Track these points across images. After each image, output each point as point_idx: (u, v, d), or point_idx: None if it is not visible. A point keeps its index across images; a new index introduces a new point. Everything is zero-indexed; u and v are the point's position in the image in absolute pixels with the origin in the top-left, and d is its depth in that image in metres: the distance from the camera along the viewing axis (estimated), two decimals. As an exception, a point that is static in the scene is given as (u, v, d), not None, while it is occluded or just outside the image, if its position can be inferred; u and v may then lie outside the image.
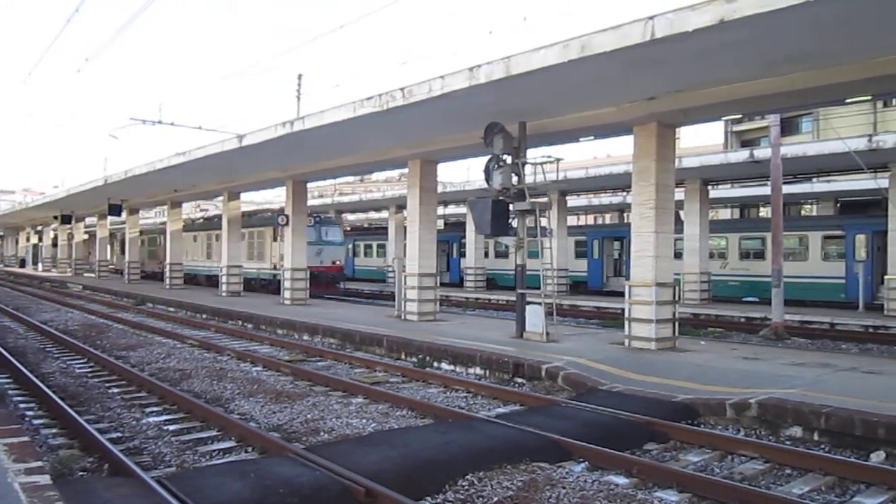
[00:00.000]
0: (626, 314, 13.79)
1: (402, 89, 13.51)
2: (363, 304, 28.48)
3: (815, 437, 8.15)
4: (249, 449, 7.74)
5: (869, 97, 14.19)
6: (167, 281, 34.44)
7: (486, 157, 15.00)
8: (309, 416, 9.07)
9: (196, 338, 16.78)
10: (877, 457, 7.54)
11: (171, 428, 8.64)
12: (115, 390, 10.93)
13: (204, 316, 22.97)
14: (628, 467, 6.89)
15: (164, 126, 32.06)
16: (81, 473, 6.84)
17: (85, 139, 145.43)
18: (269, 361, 13.47)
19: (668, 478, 6.61)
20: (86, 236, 53.64)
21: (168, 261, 35.02)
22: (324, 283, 29.14)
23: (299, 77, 34.98)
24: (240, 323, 20.69)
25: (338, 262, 31.47)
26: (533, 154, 15.52)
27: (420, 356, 13.74)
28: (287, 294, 24.33)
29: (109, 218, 41.31)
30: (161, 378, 11.61)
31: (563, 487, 6.13)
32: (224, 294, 28.63)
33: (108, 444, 7.41)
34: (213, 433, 8.41)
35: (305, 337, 17.63)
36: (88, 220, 50.79)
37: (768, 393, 9.03)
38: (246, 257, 31.54)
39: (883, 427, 7.61)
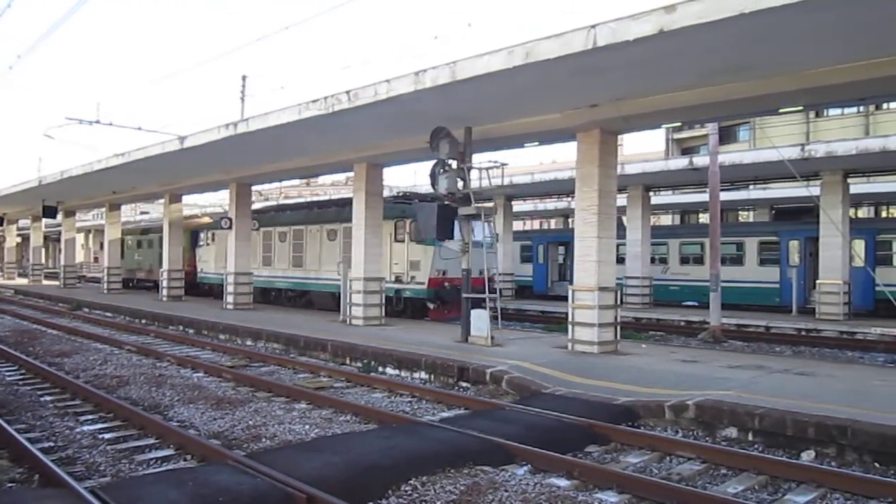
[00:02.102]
0: (570, 318, 13.97)
1: (347, 92, 13.44)
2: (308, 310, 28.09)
3: (750, 437, 8.39)
4: (188, 457, 7.57)
5: (801, 108, 14.68)
6: (104, 286, 33.50)
7: (433, 162, 15.04)
8: (251, 422, 8.93)
9: (134, 343, 16.37)
10: (807, 455, 7.79)
11: (107, 436, 8.39)
12: (48, 398, 10.57)
13: (143, 321, 22.42)
14: (570, 469, 6.97)
15: (103, 126, 30.85)
16: (10, 485, 6.59)
17: (18, 139, 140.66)
18: (211, 367, 13.22)
19: (609, 479, 6.71)
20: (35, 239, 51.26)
21: (106, 265, 34.11)
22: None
23: (243, 78, 34.48)
24: (181, 328, 20.26)
25: (485, 273, 20.67)
26: (479, 159, 15.64)
27: (365, 361, 13.67)
28: (230, 299, 23.99)
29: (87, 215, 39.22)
30: (97, 385, 11.29)
31: (506, 490, 6.16)
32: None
33: (38, 453, 7.16)
34: (150, 441, 8.20)
35: (249, 342, 17.37)
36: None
37: (705, 395, 9.25)
38: (318, 263, 24.10)
39: (813, 427, 7.87)
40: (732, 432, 8.55)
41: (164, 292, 28.40)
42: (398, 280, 20.98)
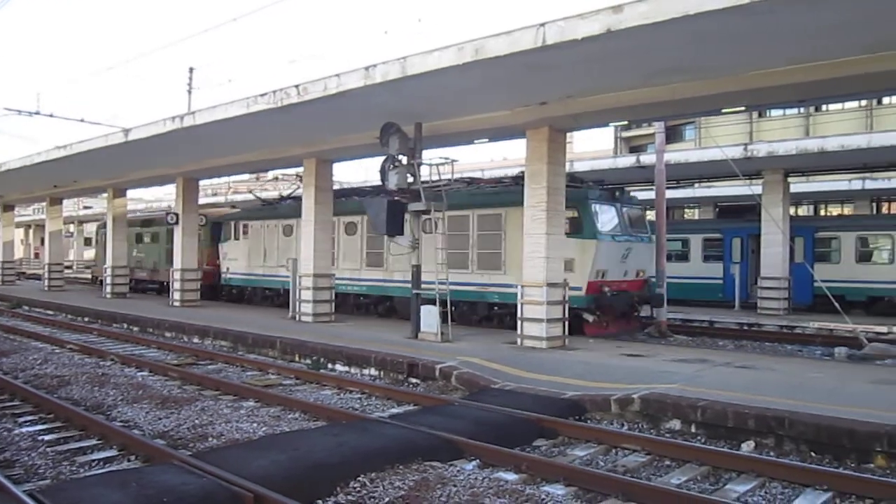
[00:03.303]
0: (519, 314, 14.10)
1: (297, 86, 13.31)
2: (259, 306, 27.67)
3: (693, 429, 8.60)
4: (132, 458, 7.42)
5: (743, 108, 15.06)
6: (45, 283, 32.54)
7: (383, 157, 14.99)
8: (197, 421, 8.79)
9: (77, 342, 15.95)
10: (747, 446, 8.04)
11: (47, 438, 8.17)
12: (-16, 399, 10.24)
13: (86, 319, 21.85)
14: (518, 463, 7.04)
15: (43, 117, 29.67)
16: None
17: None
18: (156, 365, 12.97)
19: (556, 472, 6.81)
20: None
21: (47, 261, 33.12)
22: (627, 307, 16.98)
23: (191, 70, 33.95)
24: (125, 326, 19.82)
25: (643, 274, 17.68)
26: (429, 155, 15.66)
27: (314, 358, 13.58)
28: (176, 295, 23.57)
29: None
30: (37, 385, 10.96)
31: (454, 485, 6.20)
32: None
33: (-27, 456, 6.94)
34: (93, 442, 8.01)
35: (196, 340, 17.09)
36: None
37: (650, 388, 9.44)
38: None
39: (752, 418, 8.11)
40: (676, 424, 8.75)
41: (108, 289, 27.69)
42: None
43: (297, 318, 18.65)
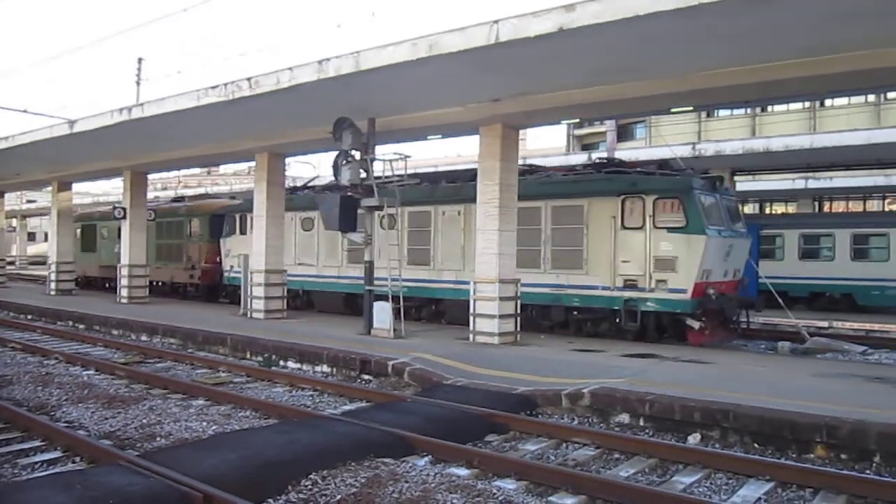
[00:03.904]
0: (471, 310, 14.17)
1: (248, 79, 13.14)
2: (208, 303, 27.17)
3: (641, 422, 8.76)
4: (78, 459, 7.23)
5: (692, 108, 15.38)
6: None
7: (336, 153, 14.90)
8: (145, 420, 8.62)
9: (19, 340, 15.50)
10: (693, 439, 8.23)
11: (-13, 439, 7.93)
12: (-80, 400, 9.87)
13: (29, 317, 21.24)
14: (470, 459, 7.09)
15: (-18, 108, 28.70)
16: None
17: None
18: (103, 364, 12.67)
19: (507, 467, 6.86)
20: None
21: None
22: (735, 311, 15.10)
23: (139, 61, 33.21)
24: (70, 324, 19.32)
25: (738, 274, 15.87)
26: (382, 151, 15.62)
27: (266, 355, 13.44)
28: (124, 292, 23.09)
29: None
30: (-25, 385, 10.63)
31: (407, 482, 6.21)
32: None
33: None
34: (36, 444, 7.77)
35: (144, 337, 16.75)
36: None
37: (600, 383, 9.58)
38: (457, 259, 17.20)
39: (699, 411, 8.30)
40: (625, 418, 8.90)
41: (53, 286, 26.93)
42: (631, 285, 14.48)
43: (249, 315, 18.44)
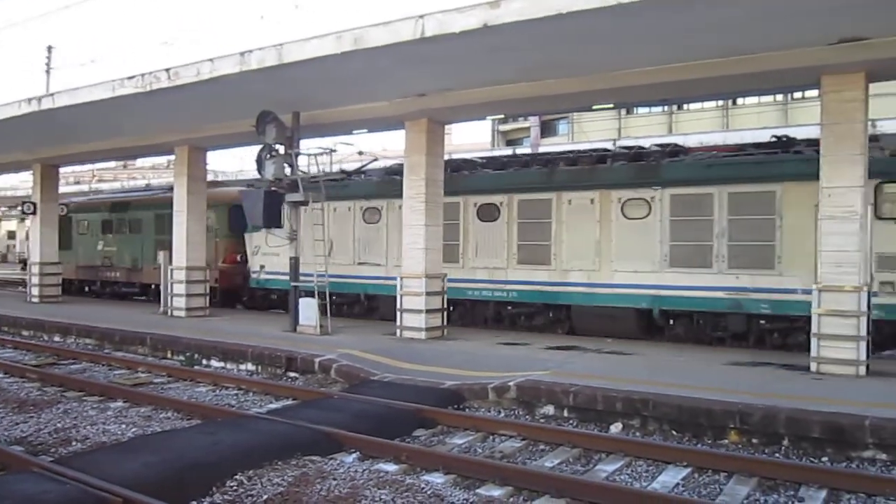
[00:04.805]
0: (398, 305, 14.16)
1: (167, 70, 12.76)
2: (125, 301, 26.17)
3: (565, 413, 8.96)
4: (-15, 466, 6.91)
5: (612, 105, 15.73)
6: None
7: (260, 147, 14.64)
8: (59, 424, 8.28)
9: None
10: (615, 428, 8.47)
11: None
12: None
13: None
14: (398, 454, 7.11)
15: None
16: None
17: None
18: (12, 366, 12.11)
19: (435, 461, 6.91)
20: None
21: None
22: None
23: (49, 49, 31.75)
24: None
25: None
26: (308, 145, 15.44)
27: (188, 354, 13.12)
28: (35, 291, 22.11)
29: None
30: None
31: (334, 479, 6.18)
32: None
33: None
34: (-62, 451, 7.39)
35: (57, 338, 16.10)
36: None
37: (526, 376, 9.74)
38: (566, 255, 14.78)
39: (620, 401, 8.55)
40: (550, 410, 9.09)
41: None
42: None
43: (169, 313, 17.94)
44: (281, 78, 11.95)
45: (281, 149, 14.44)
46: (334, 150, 15.52)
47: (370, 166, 20.30)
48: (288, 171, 14.52)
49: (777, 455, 7.46)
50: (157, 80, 12.89)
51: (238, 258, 19.65)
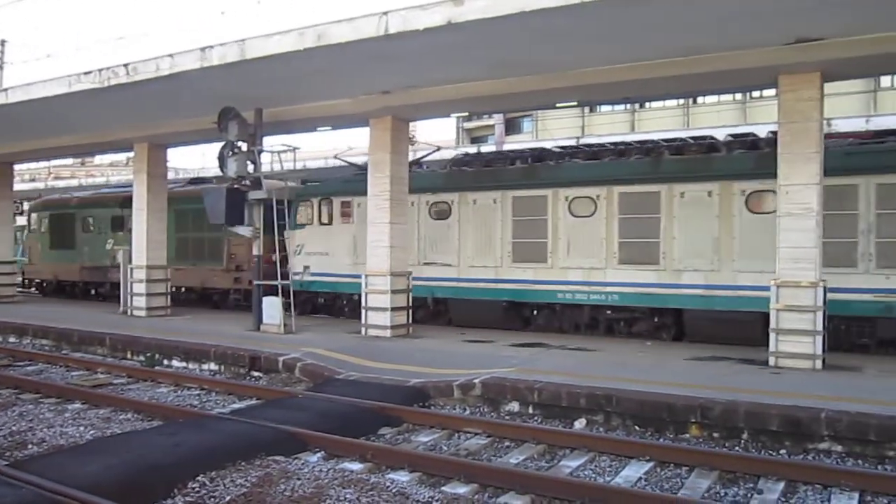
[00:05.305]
0: (363, 303, 14.11)
1: (126, 66, 12.53)
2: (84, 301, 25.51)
3: (530, 410, 9.00)
4: (-64, 472, 6.72)
5: (575, 103, 15.84)
6: None
7: (222, 144, 14.45)
8: (14, 427, 8.08)
9: None
10: (579, 424, 8.54)
11: None
12: None
13: None
14: (363, 453, 7.07)
15: None
16: None
17: None
18: (-36, 368, 11.82)
19: (401, 459, 6.89)
20: None
21: None
22: None
23: (2, 43, 30.91)
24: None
25: None
26: (271, 142, 15.28)
27: (148, 354, 12.91)
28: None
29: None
30: None
31: (299, 479, 6.13)
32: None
33: None
34: None
35: (12, 339, 15.72)
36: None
37: (491, 373, 9.77)
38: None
39: (584, 397, 8.62)
40: (515, 406, 9.13)
41: None
42: None
43: (129, 313, 17.64)
44: (243, 74, 11.81)
45: (243, 146, 14.28)
46: (298, 148, 15.39)
47: (432, 157, 19.09)
48: (251, 168, 14.36)
49: (737, 448, 7.59)
50: (115, 76, 12.65)
51: (274, 258, 16.93)
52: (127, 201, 20.75)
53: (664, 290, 13.26)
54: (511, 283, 14.73)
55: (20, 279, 25.71)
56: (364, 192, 14.54)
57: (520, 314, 15.13)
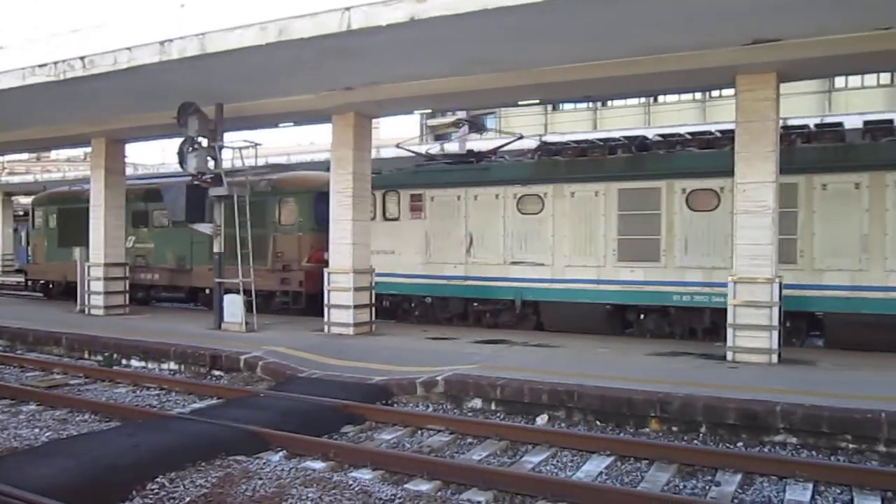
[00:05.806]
0: (326, 300, 14.03)
1: (82, 59, 12.24)
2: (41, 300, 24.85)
3: (493, 406, 9.05)
4: None
5: (537, 101, 15.90)
6: None
7: (181, 139, 14.24)
8: (-35, 430, 7.90)
9: None
10: (541, 419, 8.61)
11: None
12: None
13: None
14: (325, 451, 7.04)
15: None
16: None
17: None
18: (-87, 369, 11.48)
19: (363, 457, 6.88)
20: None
21: None
22: None
23: (-48, 35, 29.98)
24: None
25: None
26: (233, 138, 15.09)
27: (107, 354, 12.68)
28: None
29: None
30: None
31: (260, 478, 6.08)
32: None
33: None
34: None
35: (-37, 339, 15.31)
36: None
37: (454, 370, 9.80)
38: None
39: (546, 393, 8.69)
40: (478, 403, 9.16)
41: None
42: None
43: (87, 312, 17.30)
44: (203, 68, 11.62)
45: (204, 141, 14.08)
46: (259, 144, 15.23)
47: (512, 146, 17.61)
48: (212, 164, 14.18)
49: (695, 442, 7.73)
50: (72, 69, 12.36)
51: (325, 256, 15.59)
52: (153, 194, 19.46)
53: (801, 291, 11.74)
54: (618, 284, 13.44)
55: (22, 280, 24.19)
56: (438, 185, 14.37)
57: (624, 319, 13.96)
